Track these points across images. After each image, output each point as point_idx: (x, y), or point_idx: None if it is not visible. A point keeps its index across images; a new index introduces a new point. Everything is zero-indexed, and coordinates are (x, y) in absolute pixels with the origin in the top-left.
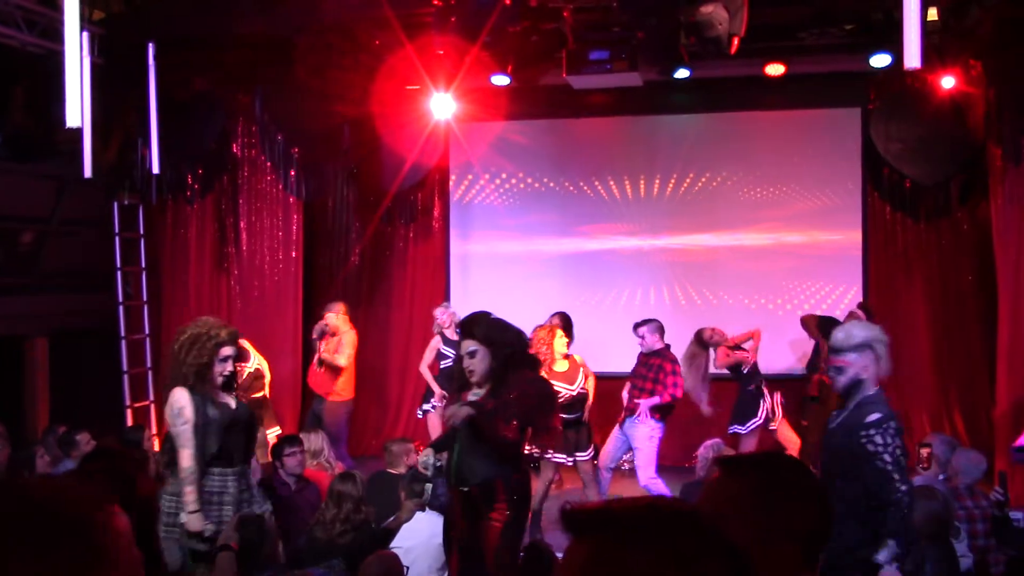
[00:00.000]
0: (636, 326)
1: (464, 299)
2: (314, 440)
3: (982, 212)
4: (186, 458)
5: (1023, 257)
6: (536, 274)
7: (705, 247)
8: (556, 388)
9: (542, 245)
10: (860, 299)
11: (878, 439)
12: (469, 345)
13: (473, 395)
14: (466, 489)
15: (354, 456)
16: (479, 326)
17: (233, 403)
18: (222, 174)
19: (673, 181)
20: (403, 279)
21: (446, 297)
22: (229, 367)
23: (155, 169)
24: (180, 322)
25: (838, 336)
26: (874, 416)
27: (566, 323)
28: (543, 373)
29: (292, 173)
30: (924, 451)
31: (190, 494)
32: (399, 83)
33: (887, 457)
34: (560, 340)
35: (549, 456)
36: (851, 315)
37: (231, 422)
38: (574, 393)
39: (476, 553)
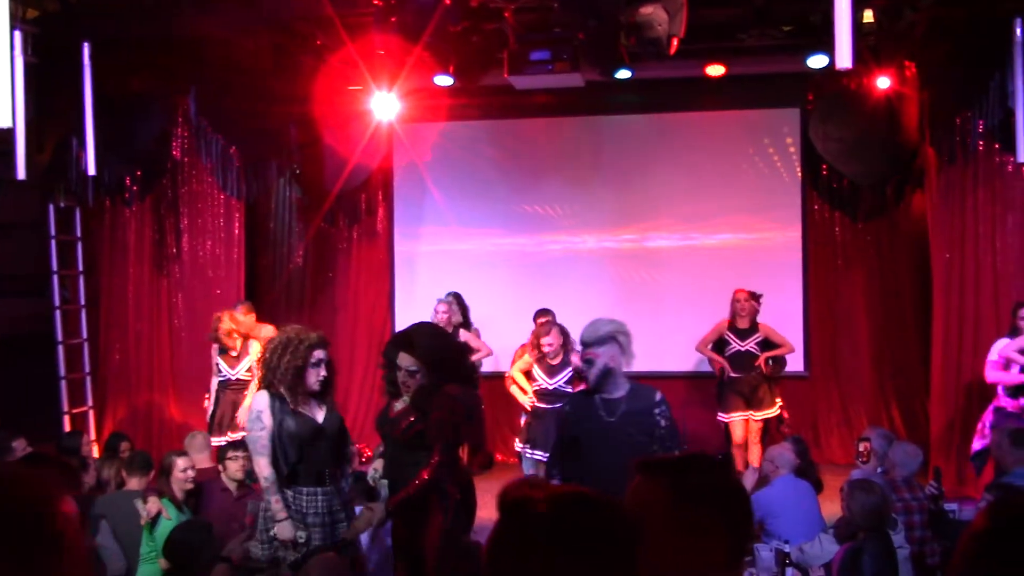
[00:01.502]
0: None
1: (409, 300)
2: None
3: (917, 210)
4: (263, 466)
5: (957, 255)
6: (481, 275)
7: (648, 246)
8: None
9: (487, 245)
10: (801, 296)
11: (667, 416)
12: (409, 363)
13: (400, 403)
14: (404, 502)
15: None
16: (421, 342)
17: (321, 415)
18: (161, 175)
19: (616, 181)
20: (347, 280)
21: (390, 298)
22: (323, 371)
23: (91, 171)
24: (119, 326)
25: (587, 330)
26: (658, 396)
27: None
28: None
29: (232, 174)
30: (863, 445)
31: (276, 503)
32: (341, 83)
33: (665, 430)
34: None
35: (530, 453)
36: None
37: (314, 435)
38: (550, 388)
39: (419, 558)
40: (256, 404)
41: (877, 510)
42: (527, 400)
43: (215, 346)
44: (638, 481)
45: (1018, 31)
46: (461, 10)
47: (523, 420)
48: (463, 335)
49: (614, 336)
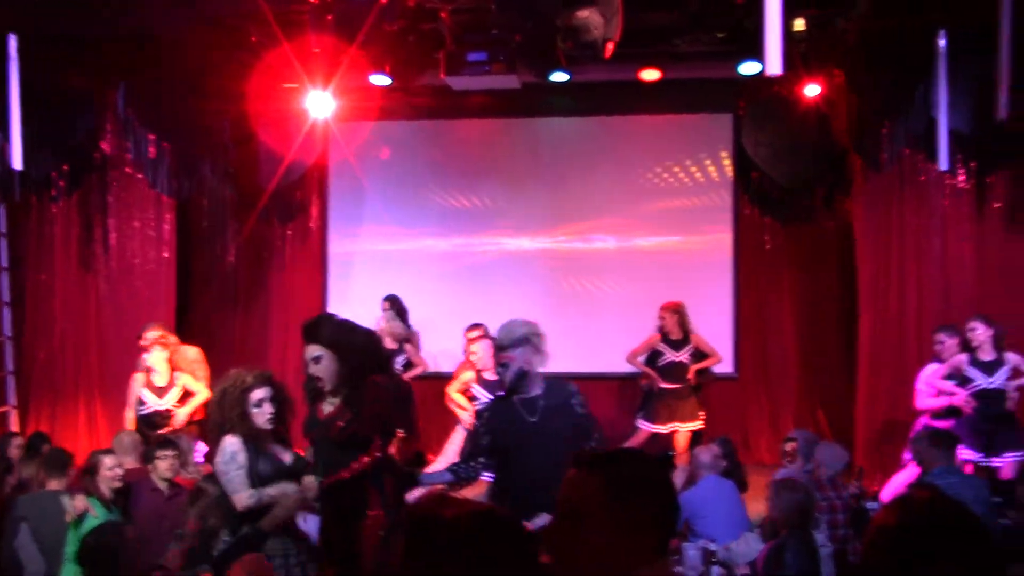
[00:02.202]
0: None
1: (344, 301)
2: (183, 446)
3: (845, 216)
4: (245, 498)
5: (882, 259)
6: (417, 275)
7: (583, 247)
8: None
9: (422, 245)
10: (731, 299)
11: (581, 407)
12: (314, 350)
13: (328, 404)
14: (339, 502)
15: None
16: (323, 329)
17: (288, 457)
18: (90, 172)
19: (552, 183)
20: (281, 280)
21: (324, 298)
22: (269, 409)
23: (18, 166)
24: (44, 324)
25: (501, 333)
26: (572, 387)
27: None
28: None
29: (164, 172)
30: (789, 445)
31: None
32: (276, 81)
33: (585, 419)
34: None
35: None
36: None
37: (284, 477)
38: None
39: (353, 558)
40: (228, 445)
41: (801, 508)
42: (467, 416)
43: (133, 378)
44: (573, 475)
45: (942, 42)
46: (397, 10)
47: (459, 436)
48: (408, 350)
49: (528, 338)
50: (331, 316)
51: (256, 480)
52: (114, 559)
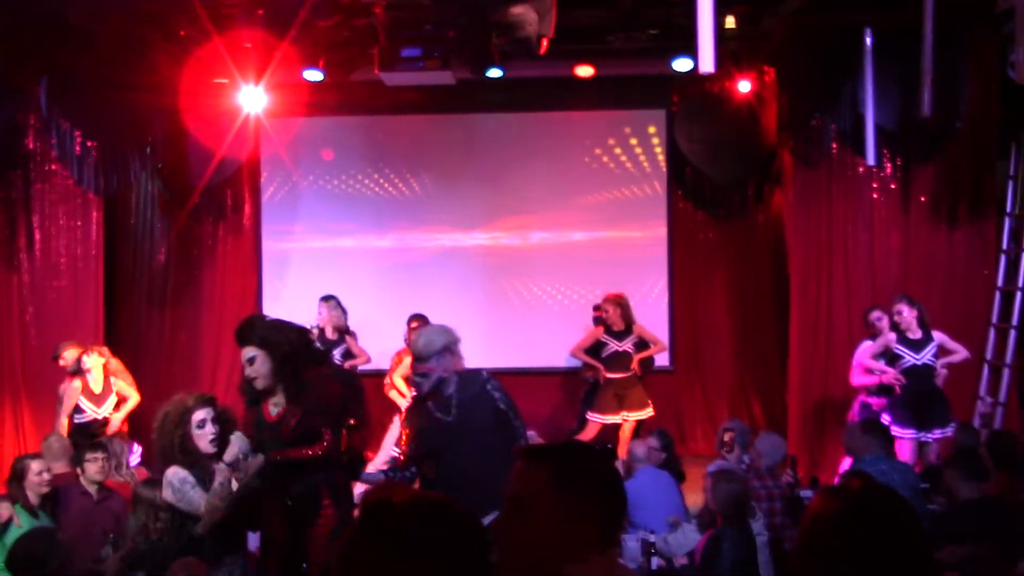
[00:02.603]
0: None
1: (277, 299)
2: (115, 449)
3: (776, 211)
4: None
5: (812, 251)
6: (352, 273)
7: (518, 243)
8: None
9: (357, 243)
10: (666, 293)
11: (498, 391)
12: (247, 352)
13: (274, 406)
14: (289, 502)
15: None
16: (252, 330)
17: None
18: (12, 168)
19: (487, 179)
20: (212, 279)
21: (258, 296)
22: (211, 430)
23: None
24: None
25: (419, 345)
26: (484, 374)
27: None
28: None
29: (90, 168)
30: (726, 436)
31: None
32: (207, 75)
33: (503, 404)
34: None
35: None
36: None
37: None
38: None
39: (298, 560)
40: (173, 476)
41: (738, 499)
42: (405, 403)
43: (70, 386)
44: (519, 467)
45: (868, 40)
46: (330, 5)
47: (396, 428)
48: (348, 341)
49: (447, 347)
50: (261, 316)
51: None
52: (44, 566)
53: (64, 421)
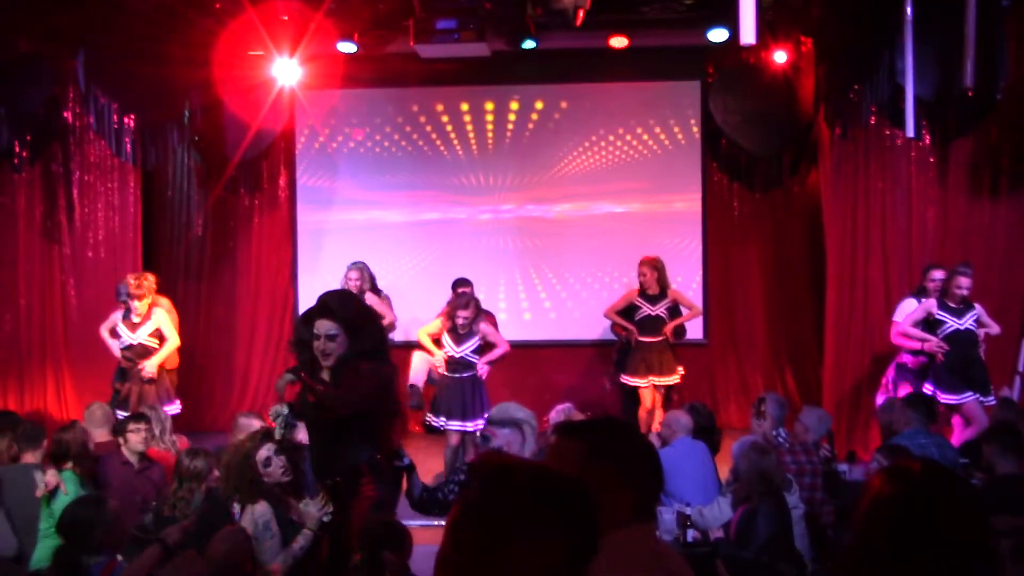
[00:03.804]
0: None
1: (313, 269)
2: (160, 419)
3: (812, 183)
4: (279, 568)
5: (849, 225)
6: (386, 244)
7: (552, 215)
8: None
9: (391, 214)
10: (700, 266)
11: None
12: (330, 327)
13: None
14: (330, 481)
15: (203, 431)
16: (341, 308)
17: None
18: (52, 141)
19: (521, 150)
20: (248, 250)
21: (293, 268)
22: (279, 463)
23: None
24: (8, 296)
25: (495, 410)
26: None
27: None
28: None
29: (127, 141)
30: (762, 407)
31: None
32: (242, 47)
33: None
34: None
35: (435, 421)
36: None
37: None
38: (456, 356)
39: (345, 535)
40: (259, 516)
41: (771, 472)
42: (438, 359)
43: (117, 312)
44: (556, 442)
45: (908, 9)
46: None
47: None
48: (370, 299)
49: (519, 424)
50: (342, 292)
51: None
52: (92, 531)
53: (104, 333)
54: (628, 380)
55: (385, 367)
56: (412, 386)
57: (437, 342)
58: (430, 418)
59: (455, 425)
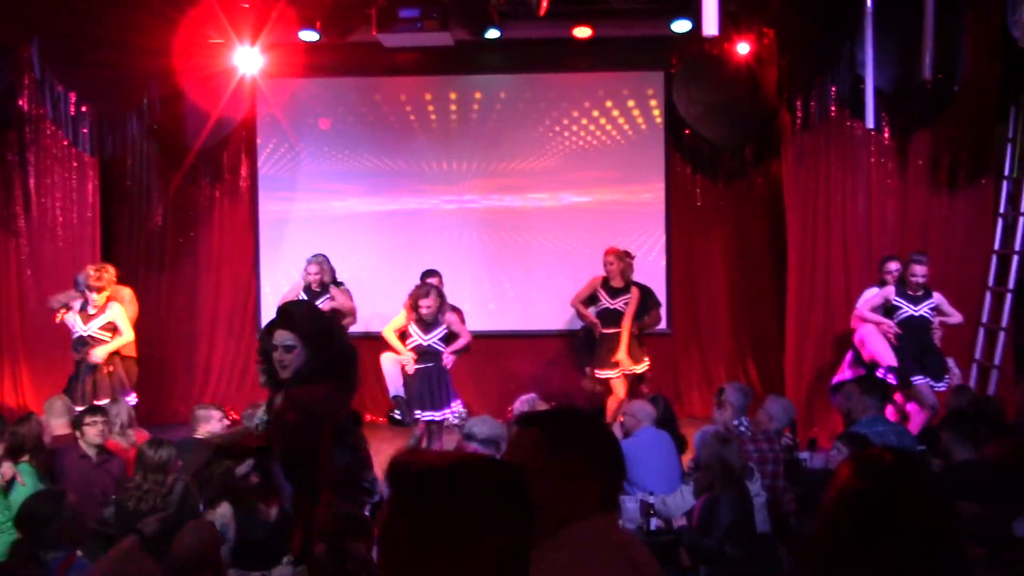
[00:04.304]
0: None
1: (275, 260)
2: (118, 412)
3: (774, 174)
4: None
5: (810, 215)
6: (349, 234)
7: (515, 205)
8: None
9: (355, 204)
10: (664, 256)
11: None
12: (288, 339)
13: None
14: (301, 484)
15: (164, 423)
16: (300, 318)
17: (273, 512)
18: (7, 130)
19: (484, 140)
20: (209, 240)
21: (255, 258)
22: (247, 465)
23: None
24: None
25: (471, 424)
26: None
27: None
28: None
29: (85, 130)
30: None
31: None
32: (202, 36)
33: None
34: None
35: (418, 415)
36: None
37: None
38: (424, 344)
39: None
40: (219, 516)
41: (732, 461)
42: (406, 358)
43: (76, 299)
44: (516, 433)
45: (869, 2)
46: None
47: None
48: (333, 291)
49: (496, 441)
50: (304, 304)
51: (248, 547)
52: (50, 525)
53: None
54: (601, 374)
55: (330, 397)
56: (396, 397)
57: (404, 335)
58: (397, 412)
59: (425, 416)
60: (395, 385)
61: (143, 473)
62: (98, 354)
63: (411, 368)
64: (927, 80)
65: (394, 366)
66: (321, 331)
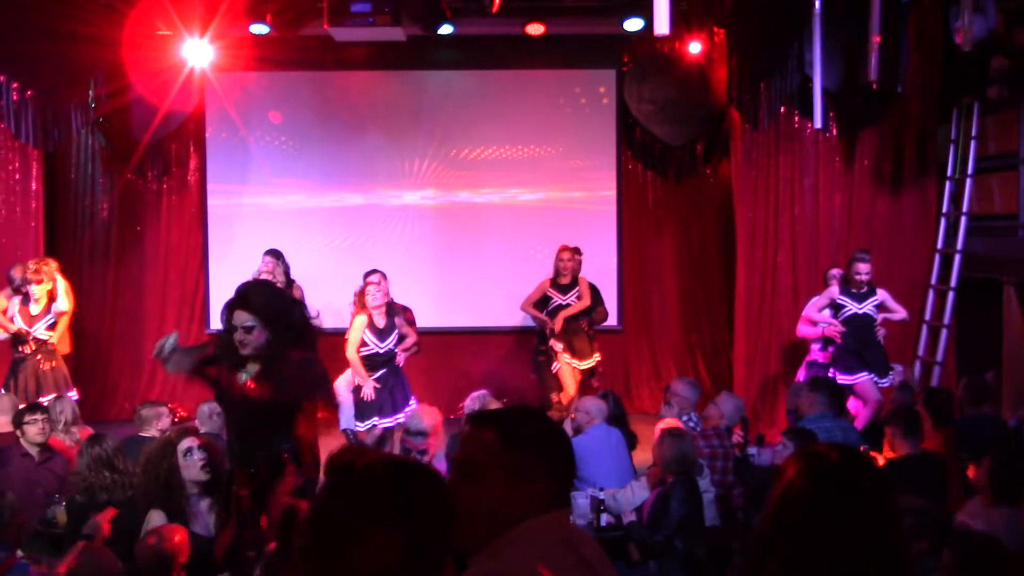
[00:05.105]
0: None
1: (224, 255)
2: (62, 409)
3: (724, 171)
4: None
5: (760, 212)
6: (299, 229)
7: (468, 201)
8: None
9: (305, 199)
10: (615, 252)
11: None
12: (246, 319)
13: (244, 373)
14: (252, 470)
15: (108, 420)
16: (260, 300)
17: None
18: None
19: (436, 137)
20: (157, 234)
21: (204, 253)
22: (199, 456)
23: None
24: None
25: (413, 421)
26: None
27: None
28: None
29: (29, 120)
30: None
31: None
32: (150, 27)
33: None
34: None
35: (372, 425)
36: None
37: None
38: (381, 351)
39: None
40: (153, 522)
41: (685, 456)
42: (368, 388)
43: (12, 299)
44: (468, 431)
45: (817, 3)
46: None
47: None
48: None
49: (427, 433)
50: (262, 283)
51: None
52: None
53: None
54: (582, 364)
55: (316, 363)
56: (346, 431)
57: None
58: (356, 426)
59: (386, 422)
60: (347, 416)
61: (88, 468)
62: (55, 336)
63: (371, 396)
64: (873, 81)
65: (348, 395)
66: (279, 308)
